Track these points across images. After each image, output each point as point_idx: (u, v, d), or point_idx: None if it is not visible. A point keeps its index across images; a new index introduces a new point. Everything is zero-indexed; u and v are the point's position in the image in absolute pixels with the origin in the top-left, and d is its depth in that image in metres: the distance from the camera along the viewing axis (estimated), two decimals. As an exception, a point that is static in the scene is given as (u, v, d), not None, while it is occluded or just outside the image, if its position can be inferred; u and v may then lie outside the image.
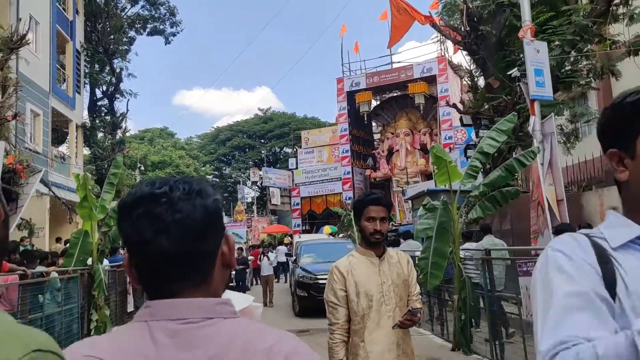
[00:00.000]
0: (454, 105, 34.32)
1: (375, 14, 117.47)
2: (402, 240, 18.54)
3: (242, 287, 16.12)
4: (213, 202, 1.04)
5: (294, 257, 14.06)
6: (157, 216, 0.97)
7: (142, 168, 34.46)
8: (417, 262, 10.02)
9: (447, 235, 7.57)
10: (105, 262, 12.55)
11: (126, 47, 30.15)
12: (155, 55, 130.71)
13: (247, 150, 60.95)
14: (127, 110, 28.27)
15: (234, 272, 16.99)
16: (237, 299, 1.40)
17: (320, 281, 12.23)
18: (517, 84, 11.89)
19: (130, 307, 13.27)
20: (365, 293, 2.85)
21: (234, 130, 61.18)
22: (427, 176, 39.87)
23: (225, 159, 62.99)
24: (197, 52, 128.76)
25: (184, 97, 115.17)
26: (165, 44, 32.14)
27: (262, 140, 60.84)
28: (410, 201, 28.03)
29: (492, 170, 8.50)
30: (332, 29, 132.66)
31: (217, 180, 64.42)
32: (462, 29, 13.25)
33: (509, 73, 9.32)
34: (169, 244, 0.97)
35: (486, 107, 12.88)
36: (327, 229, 33.46)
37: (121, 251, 14.32)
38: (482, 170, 7.97)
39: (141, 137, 55.72)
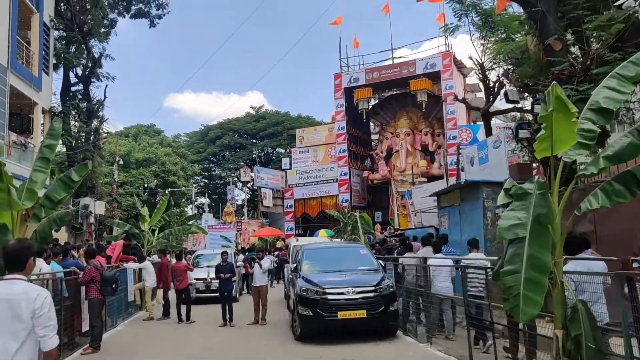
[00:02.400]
0: (464, 100, 31.87)
1: (372, 9, 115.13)
2: (417, 245, 15.85)
3: (228, 299, 13.32)
4: None
5: (294, 265, 11.26)
6: None
7: (121, 162, 31.41)
8: (490, 277, 7.31)
9: (546, 236, 4.82)
10: (52, 266, 9.73)
11: (106, 29, 27.34)
12: (143, 56, 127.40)
13: (238, 149, 58.04)
14: (105, 97, 25.30)
15: (217, 282, 14.22)
16: None
17: (331, 296, 9.49)
18: (593, 47, 9.21)
19: (85, 326, 10.41)
20: None
21: (224, 128, 58.25)
22: (429, 179, 37.22)
23: (214, 159, 60.04)
24: (188, 53, 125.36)
25: (173, 99, 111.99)
26: (150, 27, 29.30)
27: (254, 140, 58.01)
28: (435, 199, 25.14)
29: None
30: (327, 27, 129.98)
31: (206, 180, 61.53)
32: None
33: (618, 3, 6.62)
34: None
35: (529, 76, 10.20)
36: (322, 232, 30.58)
37: (74, 254, 11.48)
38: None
39: (126, 134, 52.71)
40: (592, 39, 9.57)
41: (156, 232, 19.01)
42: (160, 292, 13.84)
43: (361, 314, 9.30)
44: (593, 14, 9.21)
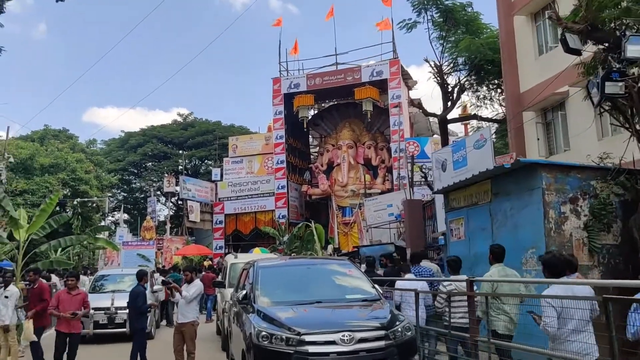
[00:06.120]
0: (419, 105, 28.84)
1: (312, 18, 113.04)
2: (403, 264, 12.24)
3: (140, 338, 9.09)
4: None
5: (243, 292, 7.06)
6: None
7: (12, 160, 25.54)
8: None
9: None
10: None
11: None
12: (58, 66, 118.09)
13: (162, 159, 52.46)
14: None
15: (124, 313, 9.85)
16: None
17: (313, 348, 5.47)
18: None
19: None
20: None
21: (147, 135, 52.53)
22: (371, 194, 34.08)
23: (134, 170, 54.07)
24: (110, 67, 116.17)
25: (93, 114, 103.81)
26: (57, 1, 24.28)
27: (180, 150, 52.76)
28: (391, 214, 21.74)
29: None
30: (256, 35, 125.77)
31: (125, 194, 55.49)
32: None
33: None
34: None
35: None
36: (257, 250, 26.53)
37: None
38: None
39: (32, 138, 46.21)
40: None
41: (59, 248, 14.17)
42: (29, 326, 9.13)
43: (366, 379, 5.36)
44: None
